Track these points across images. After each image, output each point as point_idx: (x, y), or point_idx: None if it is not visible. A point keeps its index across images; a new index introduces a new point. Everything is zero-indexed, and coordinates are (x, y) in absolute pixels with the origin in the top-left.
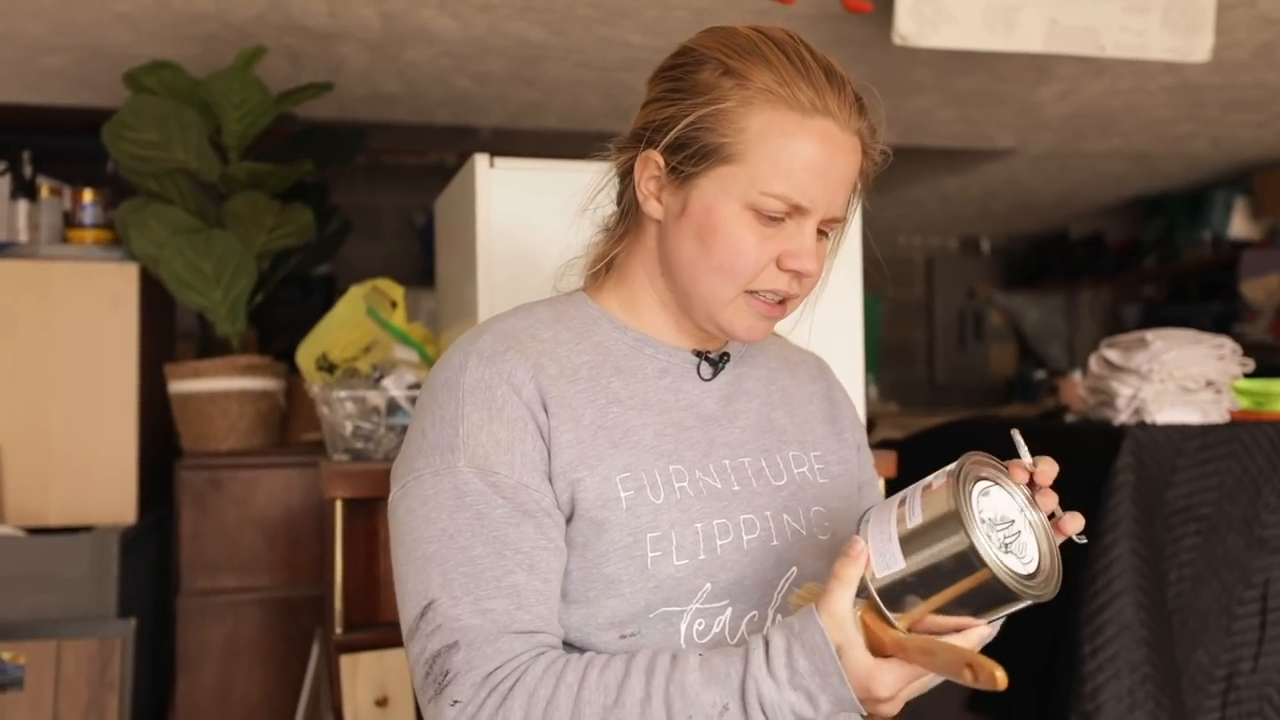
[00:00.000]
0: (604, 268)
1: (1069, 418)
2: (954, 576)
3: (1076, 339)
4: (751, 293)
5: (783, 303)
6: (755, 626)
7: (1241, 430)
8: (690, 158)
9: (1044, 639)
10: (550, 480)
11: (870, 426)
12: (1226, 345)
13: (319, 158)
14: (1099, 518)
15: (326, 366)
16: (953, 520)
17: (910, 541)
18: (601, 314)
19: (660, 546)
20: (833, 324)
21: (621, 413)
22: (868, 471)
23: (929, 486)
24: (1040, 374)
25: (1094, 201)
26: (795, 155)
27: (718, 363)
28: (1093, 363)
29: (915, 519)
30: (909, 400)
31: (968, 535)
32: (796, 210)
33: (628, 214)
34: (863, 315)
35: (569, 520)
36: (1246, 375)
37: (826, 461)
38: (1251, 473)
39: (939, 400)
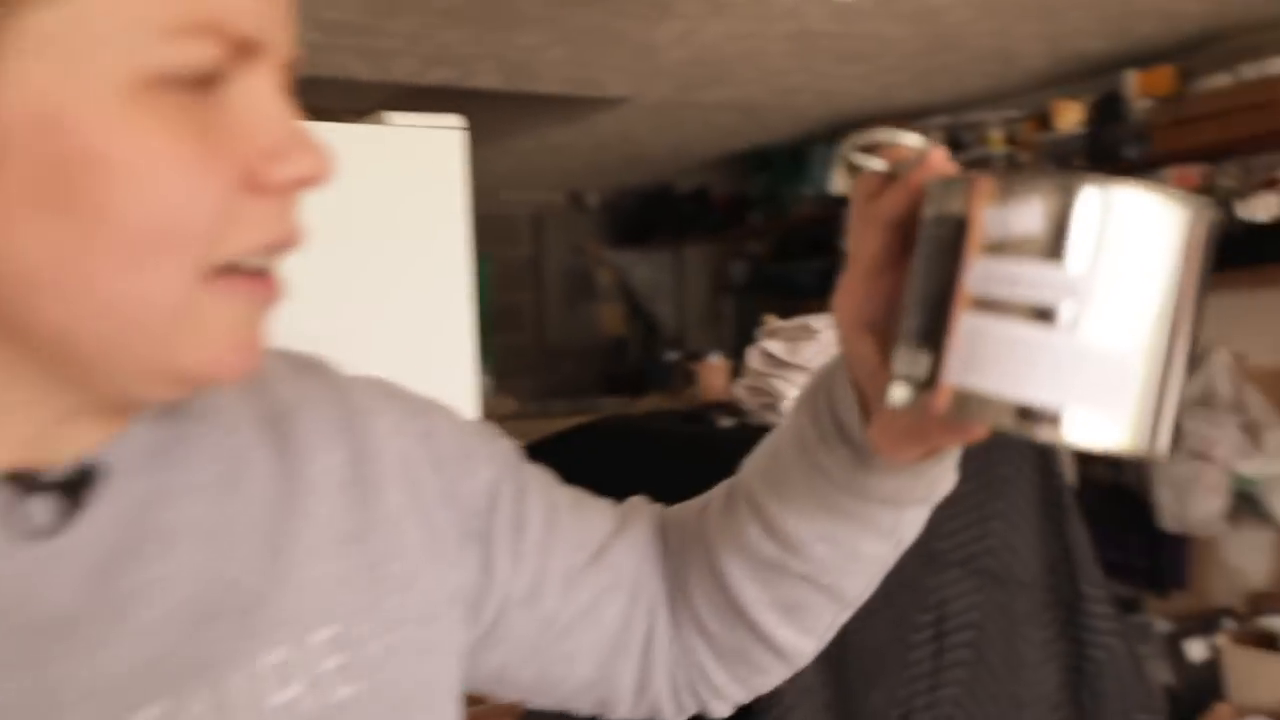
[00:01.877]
0: None
1: (724, 421)
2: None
3: (685, 296)
4: (219, 271)
5: (267, 276)
6: None
7: None
8: None
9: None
10: None
11: None
12: None
13: None
14: None
15: None
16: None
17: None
18: None
19: None
20: (438, 297)
21: None
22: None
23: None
24: (673, 355)
25: (703, 155)
26: None
27: (76, 487)
28: (752, 358)
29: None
30: (517, 370)
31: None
32: (241, 51)
33: None
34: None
35: None
36: None
37: (360, 636)
38: None
39: (550, 366)
